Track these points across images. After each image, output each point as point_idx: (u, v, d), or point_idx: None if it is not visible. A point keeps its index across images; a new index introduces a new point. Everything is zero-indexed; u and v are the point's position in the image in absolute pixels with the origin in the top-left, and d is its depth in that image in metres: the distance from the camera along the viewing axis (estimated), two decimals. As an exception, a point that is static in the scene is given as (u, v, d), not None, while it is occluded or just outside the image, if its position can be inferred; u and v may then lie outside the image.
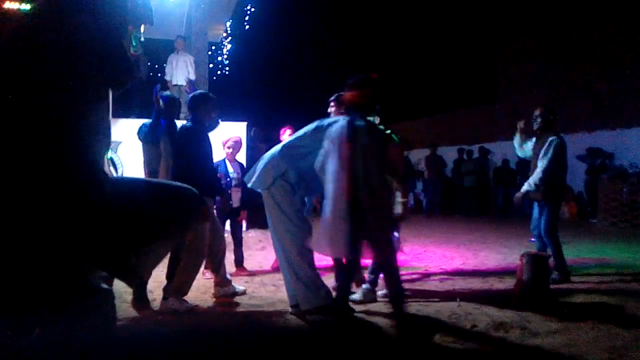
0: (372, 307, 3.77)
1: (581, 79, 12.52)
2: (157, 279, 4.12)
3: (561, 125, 4.90)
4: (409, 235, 8.70)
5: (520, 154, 5.16)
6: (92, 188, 1.67)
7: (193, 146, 3.78)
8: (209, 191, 3.86)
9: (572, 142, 4.88)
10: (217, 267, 4.16)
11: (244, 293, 4.25)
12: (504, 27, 15.63)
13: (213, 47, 13.22)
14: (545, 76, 13.60)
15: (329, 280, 4.62)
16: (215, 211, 5.18)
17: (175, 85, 9.01)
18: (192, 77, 9.06)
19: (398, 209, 3.71)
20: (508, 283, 4.45)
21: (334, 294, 3.56)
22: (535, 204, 4.89)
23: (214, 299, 4.13)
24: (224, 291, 4.18)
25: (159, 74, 12.52)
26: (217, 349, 2.90)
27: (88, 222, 1.65)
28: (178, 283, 3.70)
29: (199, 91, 4.26)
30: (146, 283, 3.85)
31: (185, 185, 2.00)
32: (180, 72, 9.00)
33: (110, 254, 1.76)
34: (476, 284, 4.67)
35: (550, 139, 4.63)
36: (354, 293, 3.83)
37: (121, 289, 4.10)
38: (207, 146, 3.90)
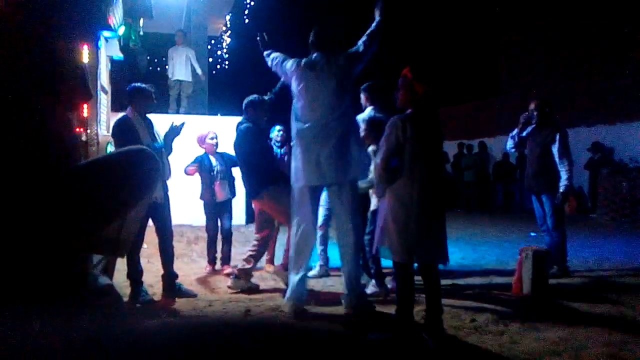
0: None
1: (582, 74, 12.49)
2: (158, 273, 4.13)
3: (561, 120, 4.90)
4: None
5: (510, 145, 5.11)
6: (50, 184, 1.70)
7: (250, 143, 4.18)
8: (265, 182, 4.13)
9: (572, 136, 4.87)
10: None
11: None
12: (506, 21, 15.57)
13: (212, 41, 13.18)
14: (546, 71, 13.57)
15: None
16: (205, 206, 5.13)
17: (176, 80, 8.78)
18: (199, 71, 8.90)
19: None
20: (507, 277, 4.46)
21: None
22: (534, 200, 4.88)
23: (214, 293, 4.14)
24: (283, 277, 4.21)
25: (158, 68, 12.50)
26: (217, 343, 2.90)
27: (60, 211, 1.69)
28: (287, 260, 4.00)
29: (254, 95, 4.35)
30: (141, 276, 3.85)
31: (134, 147, 2.01)
32: (180, 66, 8.80)
33: (90, 231, 1.78)
34: (476, 278, 4.68)
35: (559, 133, 4.66)
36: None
37: (121, 283, 4.11)
38: (263, 142, 4.37)
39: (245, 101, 4.33)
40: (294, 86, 3.65)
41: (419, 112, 2.94)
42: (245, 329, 3.22)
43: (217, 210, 5.08)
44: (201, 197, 5.07)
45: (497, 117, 14.89)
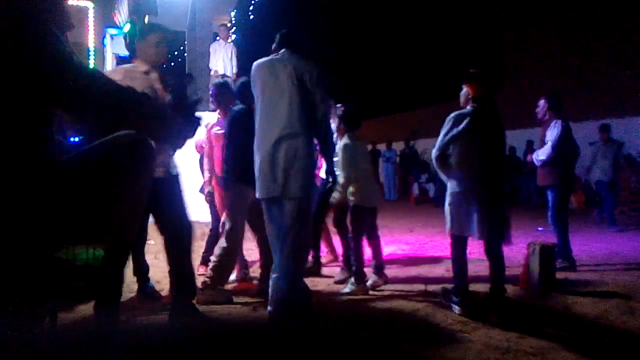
0: (363, 298, 3.82)
1: (589, 66, 12.39)
2: (165, 269, 4.14)
3: (569, 114, 4.90)
4: (416, 225, 8.71)
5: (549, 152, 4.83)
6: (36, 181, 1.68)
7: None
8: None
9: (581, 130, 4.86)
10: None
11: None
12: (511, 14, 15.47)
13: (218, 38, 13.17)
14: (552, 63, 13.47)
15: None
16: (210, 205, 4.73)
17: (223, 74, 8.60)
18: (231, 71, 8.75)
19: None
20: (514, 272, 4.44)
21: None
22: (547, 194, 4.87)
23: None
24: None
25: (164, 65, 12.51)
26: (216, 341, 2.91)
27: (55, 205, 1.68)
28: (216, 275, 3.74)
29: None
30: (147, 271, 3.87)
31: (124, 132, 1.96)
32: (226, 61, 8.80)
33: (88, 225, 1.77)
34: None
35: (555, 121, 4.73)
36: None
37: (128, 280, 4.13)
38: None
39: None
40: (257, 90, 3.17)
41: (475, 108, 3.46)
42: (243, 323, 3.22)
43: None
44: (201, 190, 4.67)
45: (503, 110, 14.79)
